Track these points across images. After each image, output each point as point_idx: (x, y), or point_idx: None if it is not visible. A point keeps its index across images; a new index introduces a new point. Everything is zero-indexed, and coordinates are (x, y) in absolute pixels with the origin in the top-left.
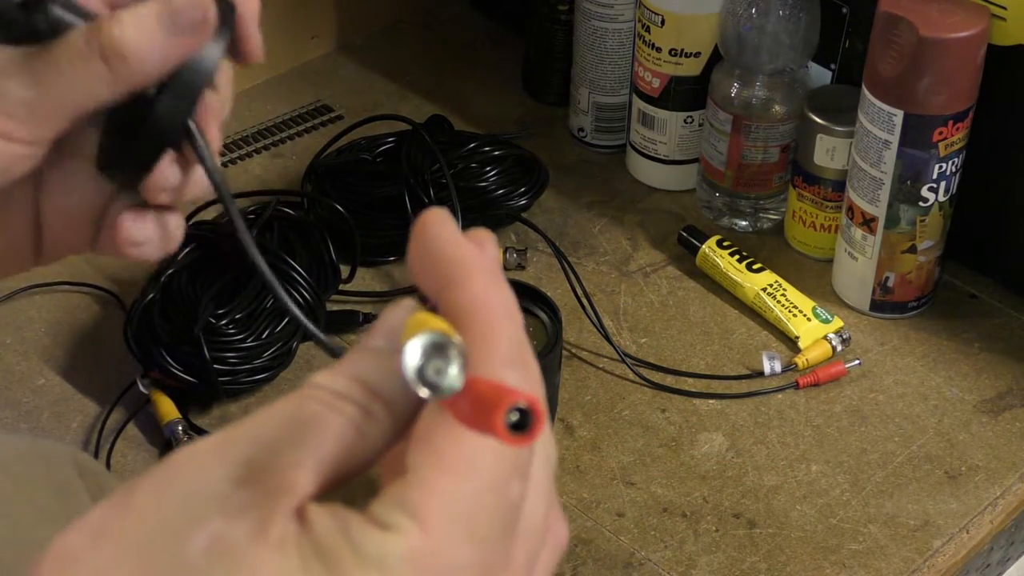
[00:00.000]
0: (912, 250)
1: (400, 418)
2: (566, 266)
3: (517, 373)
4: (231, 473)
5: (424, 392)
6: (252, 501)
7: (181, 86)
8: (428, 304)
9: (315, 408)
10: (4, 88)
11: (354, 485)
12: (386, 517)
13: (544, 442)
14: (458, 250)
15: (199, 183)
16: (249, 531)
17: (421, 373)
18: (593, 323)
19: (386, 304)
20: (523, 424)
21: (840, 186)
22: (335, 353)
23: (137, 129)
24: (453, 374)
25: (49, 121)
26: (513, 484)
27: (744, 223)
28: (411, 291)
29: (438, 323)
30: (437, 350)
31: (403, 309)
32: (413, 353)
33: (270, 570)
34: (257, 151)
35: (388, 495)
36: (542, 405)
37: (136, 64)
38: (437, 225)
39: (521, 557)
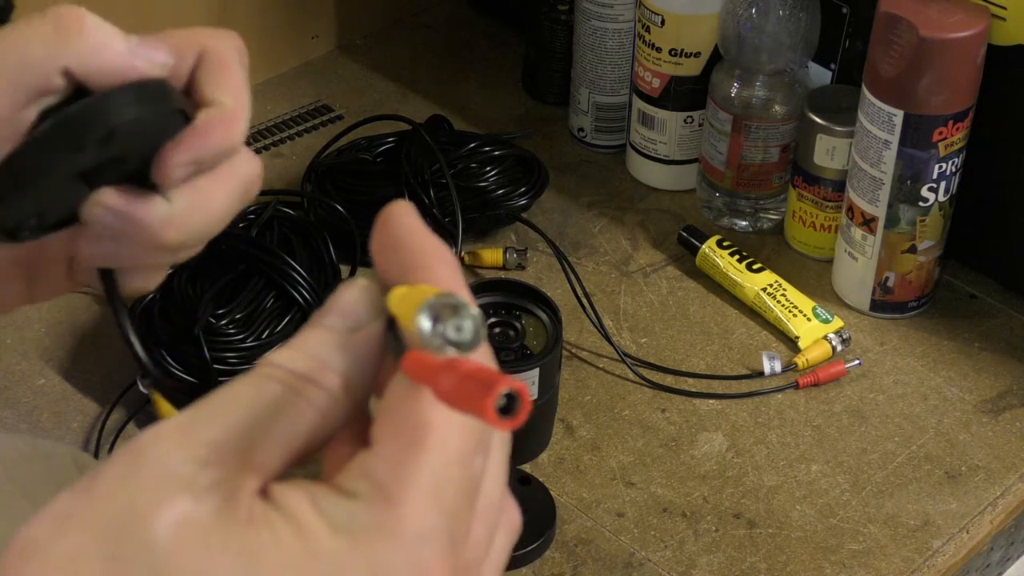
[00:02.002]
0: (912, 250)
1: (356, 395)
2: (566, 266)
3: (483, 354)
4: (196, 455)
5: (451, 351)
6: (217, 481)
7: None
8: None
9: (274, 388)
10: None
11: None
12: (353, 487)
13: None
14: (424, 240)
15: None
16: (216, 510)
17: (442, 334)
18: (593, 323)
19: None
20: (509, 408)
21: (840, 186)
22: (159, 382)
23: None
24: (471, 328)
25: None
26: (477, 458)
27: (744, 223)
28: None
29: (429, 288)
30: (445, 311)
31: (356, 288)
32: (425, 317)
33: (240, 546)
34: (257, 151)
35: (353, 467)
36: (527, 390)
37: (87, 43)
38: (402, 215)
39: (480, 532)
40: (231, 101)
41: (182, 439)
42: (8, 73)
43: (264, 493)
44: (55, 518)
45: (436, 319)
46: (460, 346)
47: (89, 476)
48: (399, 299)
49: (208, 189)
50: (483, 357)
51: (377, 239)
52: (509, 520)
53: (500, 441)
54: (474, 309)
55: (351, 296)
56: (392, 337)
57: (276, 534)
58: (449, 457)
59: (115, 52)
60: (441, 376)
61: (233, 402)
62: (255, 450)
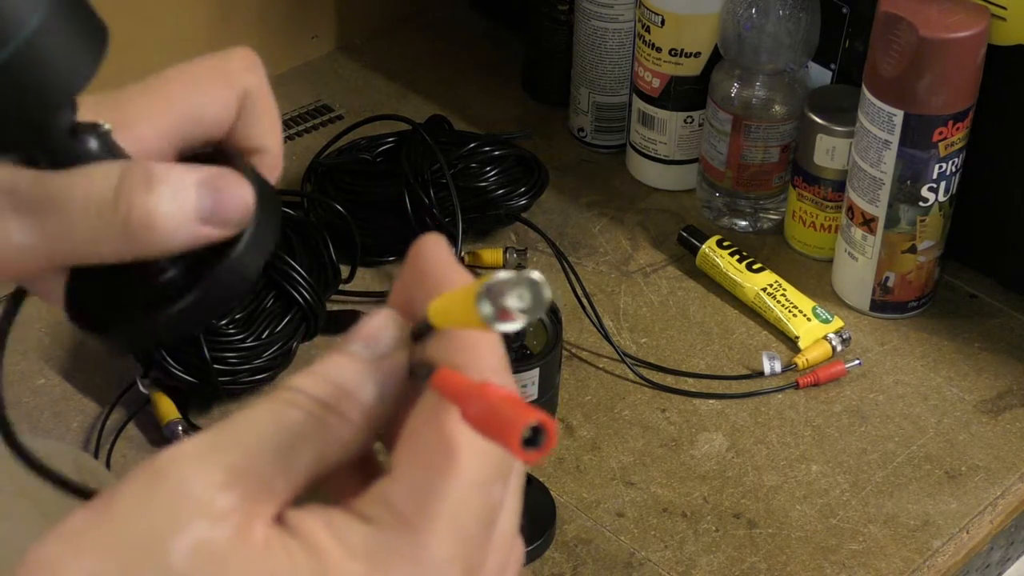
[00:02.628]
0: (912, 250)
1: (376, 423)
2: (566, 266)
3: (502, 381)
4: (214, 479)
5: (520, 320)
6: (235, 506)
7: (213, 289)
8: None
9: (294, 414)
10: (2, 225)
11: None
12: (371, 512)
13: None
14: (452, 271)
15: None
16: (233, 534)
17: (505, 306)
18: (593, 323)
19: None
20: (533, 440)
21: (840, 186)
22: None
23: (134, 308)
24: (530, 293)
25: (36, 264)
26: (496, 487)
27: (744, 223)
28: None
29: (471, 287)
30: (503, 287)
31: (382, 316)
32: (485, 296)
33: (257, 570)
34: None
35: (372, 492)
36: (554, 425)
37: (160, 240)
38: (433, 247)
39: (493, 563)
40: (276, 145)
41: (201, 462)
42: (176, 120)
43: (280, 518)
44: (71, 537)
45: (497, 295)
46: (526, 313)
47: (106, 495)
48: (439, 308)
49: None
50: (509, 381)
51: (408, 270)
52: (516, 556)
53: (517, 474)
54: (538, 278)
55: (377, 324)
56: (421, 359)
57: (293, 559)
58: (470, 484)
59: (274, 154)
60: (471, 399)
61: (252, 427)
62: (273, 476)
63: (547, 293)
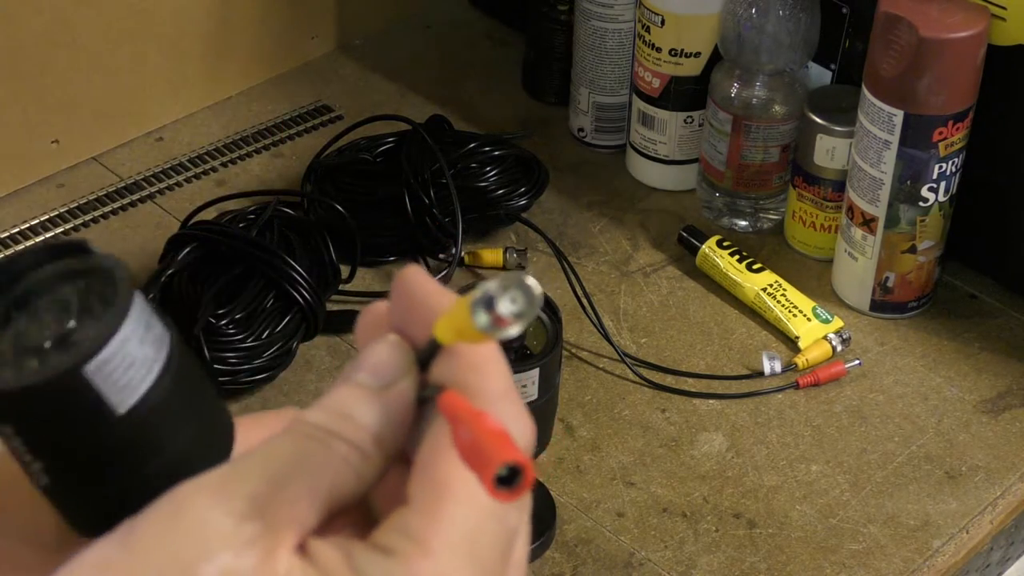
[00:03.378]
0: (912, 250)
1: (388, 451)
2: (566, 266)
3: (511, 406)
4: (235, 508)
5: (516, 326)
6: (257, 535)
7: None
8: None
9: (313, 447)
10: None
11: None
12: (388, 542)
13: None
14: (441, 295)
15: None
16: (255, 564)
17: (499, 312)
18: (593, 323)
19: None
20: (511, 480)
21: (840, 186)
22: None
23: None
24: (523, 295)
25: None
26: (511, 513)
27: (744, 223)
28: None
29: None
30: (497, 292)
31: (386, 345)
32: (479, 302)
33: None
34: (257, 151)
35: (389, 523)
36: (532, 469)
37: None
38: (417, 276)
39: None
40: None
41: (221, 492)
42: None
43: (302, 548)
44: (94, 568)
45: (489, 304)
46: (521, 315)
47: (126, 527)
48: (443, 324)
49: None
50: (517, 407)
51: (396, 301)
52: None
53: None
54: (525, 277)
55: (381, 353)
56: (429, 382)
57: None
58: (483, 510)
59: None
60: (463, 427)
61: (271, 457)
62: (293, 505)
63: (538, 291)
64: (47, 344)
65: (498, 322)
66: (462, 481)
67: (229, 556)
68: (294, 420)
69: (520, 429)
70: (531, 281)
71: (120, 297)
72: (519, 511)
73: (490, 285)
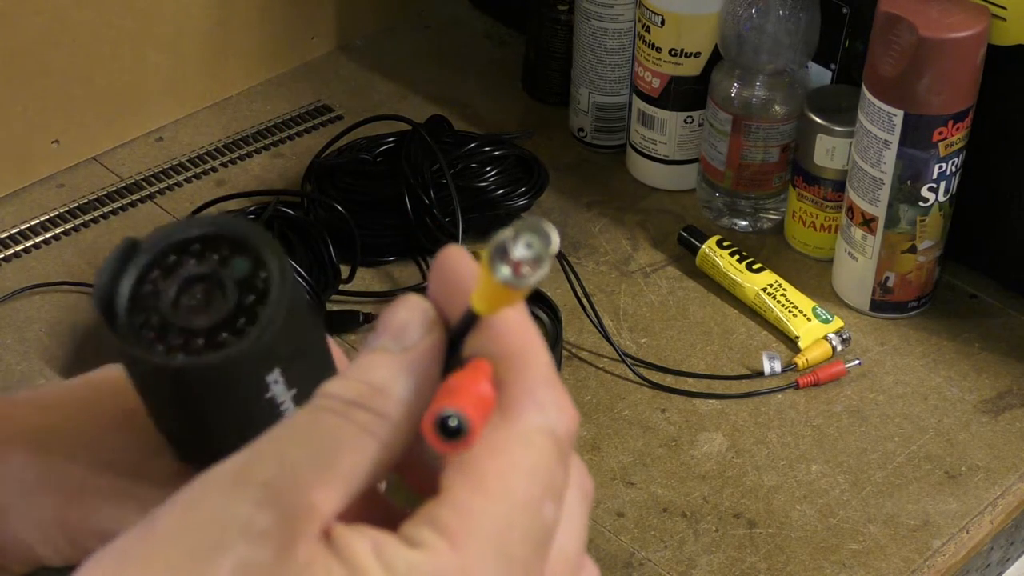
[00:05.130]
0: (912, 250)
1: (414, 416)
2: (566, 266)
3: (551, 392)
4: (253, 496)
5: (536, 270)
6: (276, 523)
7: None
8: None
9: (331, 420)
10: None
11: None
12: (416, 535)
13: (581, 476)
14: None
15: None
16: (274, 554)
17: (515, 256)
18: (593, 323)
19: (387, 304)
20: (455, 434)
21: (840, 186)
22: None
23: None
24: (539, 238)
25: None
26: (546, 506)
27: (744, 223)
28: (413, 291)
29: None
30: (507, 245)
31: (405, 305)
32: (496, 252)
33: None
34: (257, 151)
35: (420, 514)
36: (480, 422)
37: None
38: (457, 256)
39: None
40: None
41: (238, 480)
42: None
43: (327, 535)
44: (115, 558)
45: (506, 254)
46: (539, 259)
47: (146, 520)
48: (478, 295)
49: None
50: (560, 393)
51: (436, 279)
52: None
53: (580, 495)
54: (538, 220)
55: (401, 314)
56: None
57: None
58: (513, 503)
59: None
60: (458, 375)
61: (289, 438)
62: (313, 489)
63: (552, 231)
64: (211, 322)
65: (518, 269)
66: (495, 474)
67: (245, 546)
68: (317, 393)
69: (560, 417)
70: (544, 223)
71: (278, 288)
72: (555, 504)
73: (504, 234)
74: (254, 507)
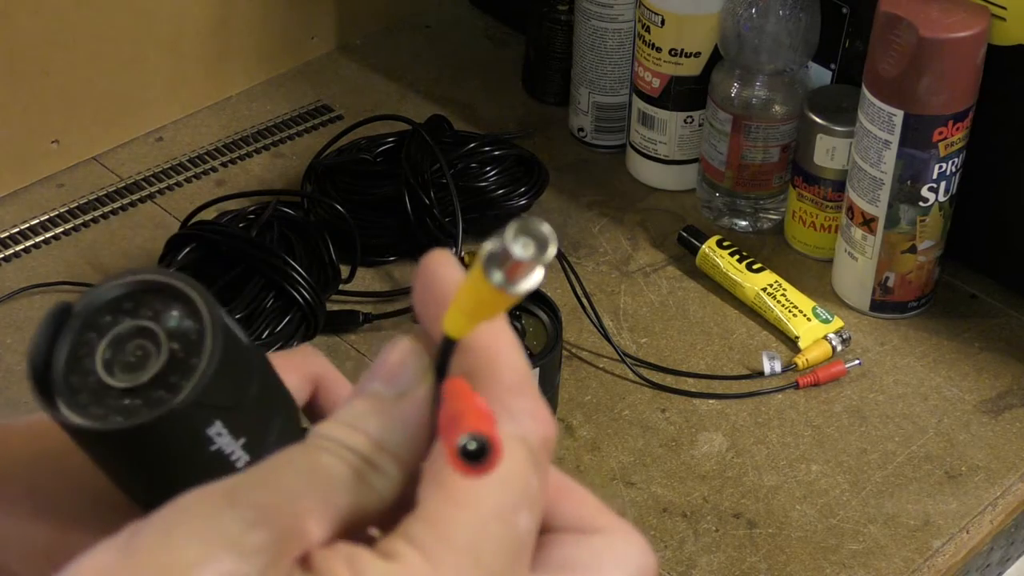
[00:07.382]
0: (912, 250)
1: (407, 464)
2: (566, 266)
3: (525, 400)
4: (242, 515)
5: (536, 266)
6: (263, 544)
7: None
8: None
9: (329, 460)
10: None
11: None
12: (390, 548)
13: (544, 422)
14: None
15: None
16: (259, 572)
17: (513, 255)
18: (593, 323)
19: (387, 304)
20: (480, 455)
21: (840, 186)
22: None
23: None
24: (534, 240)
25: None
26: (521, 515)
27: (744, 223)
28: (412, 291)
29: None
30: (504, 246)
31: (399, 350)
32: (489, 254)
33: None
34: (257, 151)
35: (397, 529)
36: (500, 444)
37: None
38: (440, 264)
39: None
40: None
41: (228, 499)
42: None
43: (305, 560)
44: (95, 571)
45: (503, 257)
46: (538, 258)
47: (130, 530)
48: (453, 314)
49: None
50: (535, 402)
51: (419, 288)
52: None
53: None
54: (532, 220)
55: (396, 359)
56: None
57: None
58: (486, 513)
59: None
60: (448, 402)
61: (284, 469)
62: (303, 516)
63: (548, 229)
64: (144, 379)
65: (515, 271)
66: (467, 485)
67: (230, 563)
68: (312, 434)
69: (534, 426)
70: (539, 222)
71: (210, 339)
72: (530, 513)
73: (496, 239)
74: (244, 526)
